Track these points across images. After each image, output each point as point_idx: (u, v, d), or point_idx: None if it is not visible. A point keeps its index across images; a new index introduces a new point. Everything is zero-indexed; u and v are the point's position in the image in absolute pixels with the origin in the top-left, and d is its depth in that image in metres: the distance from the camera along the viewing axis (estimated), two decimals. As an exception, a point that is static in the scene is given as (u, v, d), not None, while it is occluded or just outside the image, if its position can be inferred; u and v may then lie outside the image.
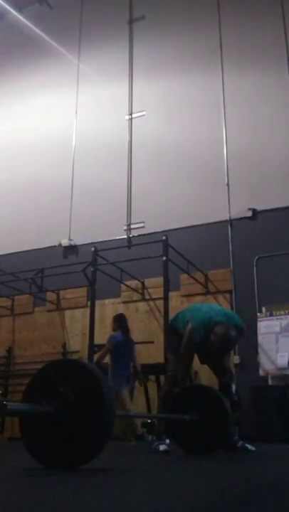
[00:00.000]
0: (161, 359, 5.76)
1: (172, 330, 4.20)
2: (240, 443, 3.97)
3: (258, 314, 6.96)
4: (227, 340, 3.77)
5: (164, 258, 6.25)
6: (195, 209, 8.03)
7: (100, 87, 9.69)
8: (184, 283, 7.53)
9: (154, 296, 7.63)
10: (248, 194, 7.78)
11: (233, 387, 4.00)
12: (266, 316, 6.90)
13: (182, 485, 1.98)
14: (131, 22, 9.86)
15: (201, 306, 4.15)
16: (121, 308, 7.94)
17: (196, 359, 4.15)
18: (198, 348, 3.94)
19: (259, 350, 6.73)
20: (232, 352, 6.94)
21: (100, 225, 8.69)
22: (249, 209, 7.64)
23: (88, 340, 6.45)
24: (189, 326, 3.88)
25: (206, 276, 7.48)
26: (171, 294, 6.38)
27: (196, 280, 7.33)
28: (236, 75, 8.50)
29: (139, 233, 8.29)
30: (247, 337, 7.01)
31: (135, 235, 8.38)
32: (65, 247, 8.83)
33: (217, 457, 3.45)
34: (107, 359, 7.40)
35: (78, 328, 8.13)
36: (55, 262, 8.30)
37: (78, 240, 8.78)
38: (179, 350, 3.96)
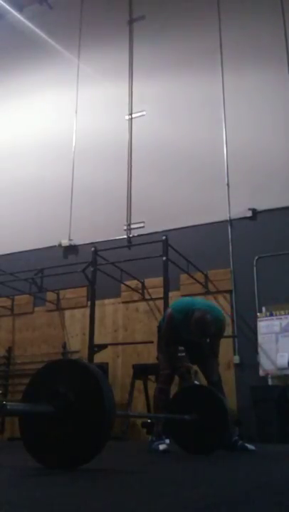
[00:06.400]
0: (161, 359, 5.77)
1: (159, 330, 4.39)
2: (240, 443, 3.97)
3: (258, 314, 6.96)
4: (203, 323, 3.92)
5: (164, 258, 6.24)
6: (195, 209, 8.03)
7: (100, 87, 9.69)
8: (184, 283, 7.53)
9: (154, 296, 7.63)
10: (248, 194, 7.78)
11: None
12: (266, 316, 6.90)
13: (182, 485, 1.97)
14: (131, 22, 9.85)
15: (183, 298, 4.42)
16: (121, 308, 7.96)
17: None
18: (182, 339, 4.13)
19: (259, 350, 6.73)
20: (232, 352, 6.98)
21: (100, 225, 8.69)
22: (249, 209, 7.64)
23: (88, 340, 6.44)
24: (169, 310, 4.20)
25: (206, 276, 7.48)
26: (171, 294, 6.37)
27: (196, 280, 7.33)
28: (236, 75, 8.50)
29: (139, 233, 8.29)
30: (247, 337, 7.03)
31: (135, 235, 8.38)
32: (65, 247, 8.83)
33: (217, 457, 3.45)
34: (106, 359, 7.41)
35: (78, 328, 8.13)
36: (55, 262, 8.30)
37: (78, 240, 8.78)
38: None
